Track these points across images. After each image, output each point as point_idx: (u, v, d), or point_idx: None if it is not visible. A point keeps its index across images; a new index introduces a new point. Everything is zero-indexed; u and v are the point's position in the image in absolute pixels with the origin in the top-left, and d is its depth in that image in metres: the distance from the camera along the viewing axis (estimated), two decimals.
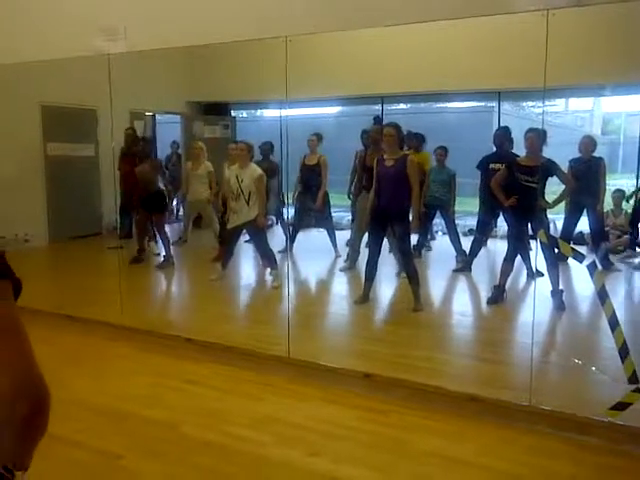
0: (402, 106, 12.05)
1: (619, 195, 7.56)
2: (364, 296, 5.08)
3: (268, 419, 3.21)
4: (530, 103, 11.31)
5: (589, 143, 6.26)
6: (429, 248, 7.30)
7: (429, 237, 7.34)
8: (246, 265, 6.95)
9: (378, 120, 6.50)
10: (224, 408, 3.36)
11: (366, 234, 5.39)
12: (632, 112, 10.07)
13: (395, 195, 4.84)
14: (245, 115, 12.97)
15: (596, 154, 6.24)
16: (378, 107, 9.19)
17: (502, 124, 8.09)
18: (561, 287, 4.85)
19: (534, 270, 5.09)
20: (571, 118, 14.74)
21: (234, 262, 6.28)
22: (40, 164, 7.47)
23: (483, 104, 10.61)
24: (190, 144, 7.37)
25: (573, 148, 6.60)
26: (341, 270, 6.27)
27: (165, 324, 4.68)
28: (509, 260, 5.08)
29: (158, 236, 6.77)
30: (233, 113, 10.11)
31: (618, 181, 11.18)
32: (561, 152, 7.18)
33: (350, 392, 3.50)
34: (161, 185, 6.66)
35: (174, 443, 2.96)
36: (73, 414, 3.18)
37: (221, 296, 5.71)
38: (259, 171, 5.58)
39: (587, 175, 5.97)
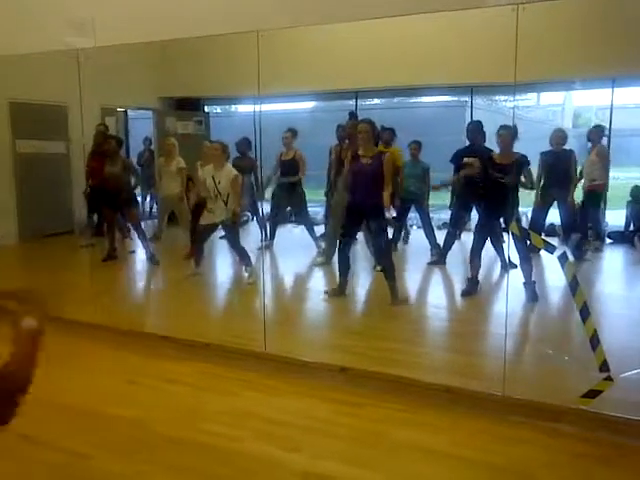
0: (376, 101, 12.08)
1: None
2: (340, 290, 5.09)
3: (245, 415, 3.20)
4: (502, 97, 11.41)
5: (560, 136, 6.36)
6: (406, 241, 7.30)
7: (403, 232, 7.37)
8: (223, 262, 6.91)
9: (353, 115, 6.48)
10: (200, 405, 3.34)
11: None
12: (602, 106, 10.21)
13: (371, 192, 4.84)
14: (219, 111, 12.87)
15: (567, 147, 6.34)
16: (352, 102, 9.20)
17: (475, 118, 8.15)
18: (533, 278, 4.92)
19: (507, 262, 5.15)
20: (543, 112, 14.92)
21: (211, 259, 6.25)
22: (9, 162, 7.32)
23: (456, 99, 10.67)
24: (162, 140, 7.31)
25: (545, 142, 6.70)
26: (315, 265, 6.27)
27: (140, 322, 4.63)
28: (475, 252, 5.14)
29: (135, 234, 6.70)
30: (207, 109, 10.01)
31: None
32: (533, 146, 7.26)
33: (327, 386, 3.51)
34: (132, 184, 6.61)
35: (147, 442, 2.93)
36: (44, 414, 3.12)
37: (197, 293, 5.66)
38: (234, 172, 5.55)
39: (557, 167, 6.07)
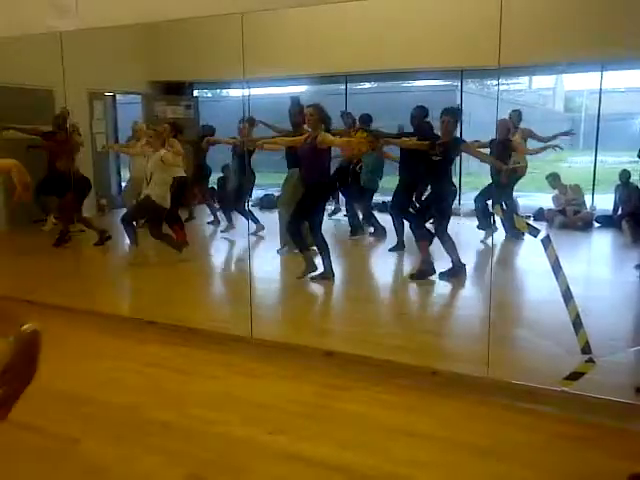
0: (367, 85, 12.03)
1: (554, 177, 7.80)
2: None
3: (230, 399, 3.21)
4: (494, 82, 11.38)
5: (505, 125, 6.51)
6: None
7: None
8: (210, 247, 6.91)
9: (296, 101, 6.37)
10: (185, 389, 3.34)
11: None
12: (592, 90, 10.23)
13: (313, 169, 5.06)
14: (210, 95, 12.80)
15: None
16: (342, 86, 9.16)
17: (466, 102, 8.15)
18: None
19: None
20: (534, 96, 14.92)
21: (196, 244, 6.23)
22: None
23: (449, 82, 10.63)
24: (132, 125, 7.42)
25: (537, 125, 6.74)
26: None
27: (126, 307, 4.63)
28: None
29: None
30: (196, 93, 9.95)
31: (579, 158, 11.37)
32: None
33: (312, 370, 3.52)
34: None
35: (133, 426, 2.94)
36: (30, 399, 3.12)
37: (183, 278, 5.66)
38: (162, 152, 5.77)
39: (503, 154, 6.31)
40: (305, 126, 5.63)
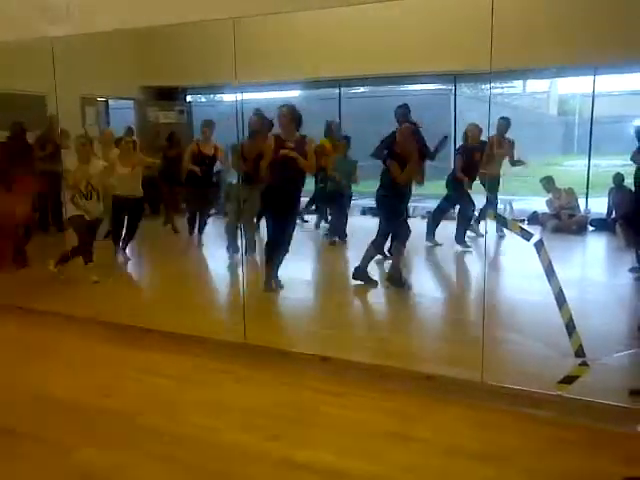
0: (361, 89, 12.04)
1: (548, 180, 7.82)
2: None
3: (225, 405, 3.20)
4: (488, 86, 11.41)
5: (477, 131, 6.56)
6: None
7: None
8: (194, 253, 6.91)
9: (259, 112, 6.34)
10: (181, 396, 3.33)
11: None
12: (586, 93, 10.27)
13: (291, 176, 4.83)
14: (204, 100, 12.80)
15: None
16: (336, 90, 9.19)
17: (460, 106, 8.17)
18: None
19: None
20: (528, 99, 14.96)
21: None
22: None
23: (444, 86, 10.65)
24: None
25: (532, 128, 6.74)
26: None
27: (122, 314, 4.60)
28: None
29: None
30: (190, 98, 9.95)
31: (574, 161, 11.40)
32: (519, 132, 7.30)
33: (307, 376, 3.51)
34: None
35: (130, 433, 2.93)
36: (27, 406, 3.14)
37: (177, 286, 5.64)
38: (101, 164, 5.60)
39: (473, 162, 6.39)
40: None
